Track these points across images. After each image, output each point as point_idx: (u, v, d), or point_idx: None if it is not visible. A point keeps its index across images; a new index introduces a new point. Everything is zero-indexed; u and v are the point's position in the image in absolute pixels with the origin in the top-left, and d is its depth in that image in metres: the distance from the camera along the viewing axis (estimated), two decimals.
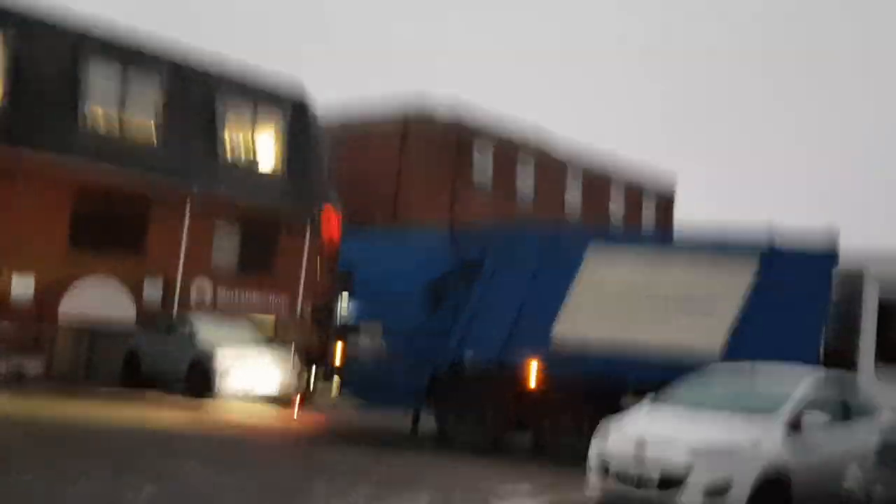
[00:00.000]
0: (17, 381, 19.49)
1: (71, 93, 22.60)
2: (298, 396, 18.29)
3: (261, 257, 25.82)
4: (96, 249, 22.41)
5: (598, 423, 12.61)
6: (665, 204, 39.94)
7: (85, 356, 21.86)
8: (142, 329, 21.11)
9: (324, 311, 15.97)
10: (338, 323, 15.04)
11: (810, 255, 12.64)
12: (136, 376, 20.05)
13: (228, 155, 25.54)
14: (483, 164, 32.94)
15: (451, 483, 10.68)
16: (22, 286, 21.28)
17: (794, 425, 8.81)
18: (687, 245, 13.80)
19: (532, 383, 13.72)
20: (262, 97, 26.41)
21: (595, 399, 13.01)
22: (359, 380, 14.96)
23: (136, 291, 23.10)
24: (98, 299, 22.27)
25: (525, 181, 34.26)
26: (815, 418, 8.91)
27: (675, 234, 14.72)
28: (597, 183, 36.75)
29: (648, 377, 12.67)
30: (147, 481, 8.86)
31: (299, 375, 17.52)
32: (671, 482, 8.38)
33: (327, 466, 11.31)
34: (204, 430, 14.31)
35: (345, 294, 15.05)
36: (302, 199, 26.37)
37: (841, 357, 11.97)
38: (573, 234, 15.08)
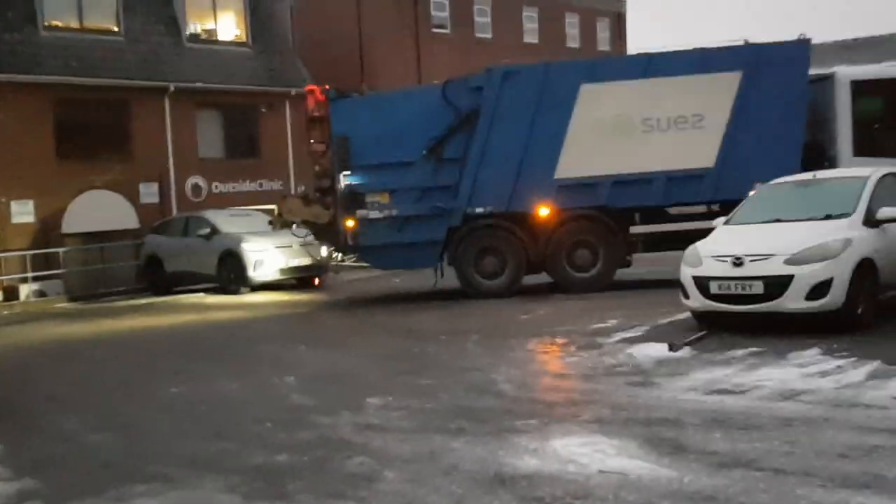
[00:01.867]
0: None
1: (26, 4, 21.55)
2: (321, 274, 18.61)
3: (246, 143, 25.59)
4: (86, 163, 22.09)
5: (611, 254, 14.34)
6: (618, 27, 40.04)
7: (99, 269, 21.89)
8: (155, 232, 21.12)
9: (326, 186, 15.04)
10: (342, 195, 14.69)
11: (786, 51, 14.00)
12: (159, 279, 20.30)
13: (193, 42, 24.82)
14: (440, 9, 32.48)
15: (535, 329, 11.26)
16: (22, 211, 21.04)
17: (870, 221, 9.47)
18: (673, 69, 14.31)
19: (544, 226, 14.40)
20: None
21: (606, 231, 14.27)
22: (374, 248, 14.86)
23: (133, 197, 22.95)
24: (98, 211, 22.12)
25: (483, 19, 33.95)
26: (886, 212, 9.56)
27: (661, 60, 15.00)
28: (552, 13, 36.58)
29: (653, 200, 14.21)
30: (287, 371, 9.29)
31: (320, 253, 17.42)
32: (773, 294, 9.04)
33: (404, 328, 11.87)
34: (268, 315, 14.83)
35: (343, 164, 14.65)
36: (275, 76, 25.96)
37: (820, 151, 13.86)
38: (564, 73, 14.77)
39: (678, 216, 14.56)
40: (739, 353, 8.61)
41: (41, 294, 20.30)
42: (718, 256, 9.53)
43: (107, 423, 7.63)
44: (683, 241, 14.18)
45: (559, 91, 14.37)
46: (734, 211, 10.88)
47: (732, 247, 9.54)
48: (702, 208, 14.32)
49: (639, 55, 16.37)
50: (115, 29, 23.07)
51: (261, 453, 6.35)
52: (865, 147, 13.85)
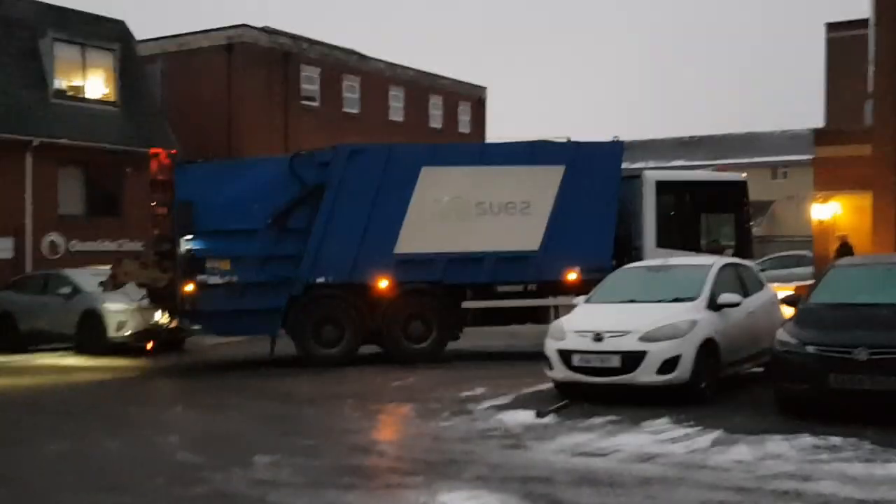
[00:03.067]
0: None
1: None
2: (153, 338, 17.23)
3: (109, 202, 25.22)
4: None
5: (445, 326, 15.31)
6: (478, 110, 42.00)
7: None
8: (9, 289, 20.40)
9: (165, 250, 14.89)
10: (182, 260, 14.54)
11: (603, 150, 15.84)
12: (12, 337, 19.55)
13: (60, 98, 24.46)
14: (310, 83, 33.18)
15: (408, 395, 11.80)
16: None
17: (713, 305, 10.66)
18: (505, 159, 15.68)
19: (382, 297, 15.08)
20: (88, 35, 25.32)
21: (440, 305, 15.32)
22: (212, 313, 14.70)
23: None
24: None
25: (351, 96, 34.89)
26: (726, 298, 10.78)
27: (495, 149, 16.52)
28: (417, 93, 38.02)
29: (483, 277, 15.43)
30: (168, 431, 9.42)
31: (161, 317, 16.16)
32: (628, 367, 10.00)
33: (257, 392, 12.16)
34: (135, 377, 14.69)
35: (185, 229, 14.53)
36: (142, 136, 25.80)
37: (627, 242, 15.64)
38: (407, 154, 15.69)
39: (505, 293, 15.65)
40: (599, 420, 9.45)
41: None
42: (580, 332, 10.44)
43: None
44: (509, 316, 15.79)
45: (402, 171, 15.17)
46: (594, 290, 11.91)
47: (593, 323, 10.49)
48: (520, 287, 15.54)
49: (475, 144, 18.06)
50: None
51: None
52: (666, 240, 15.69)
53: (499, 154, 16.02)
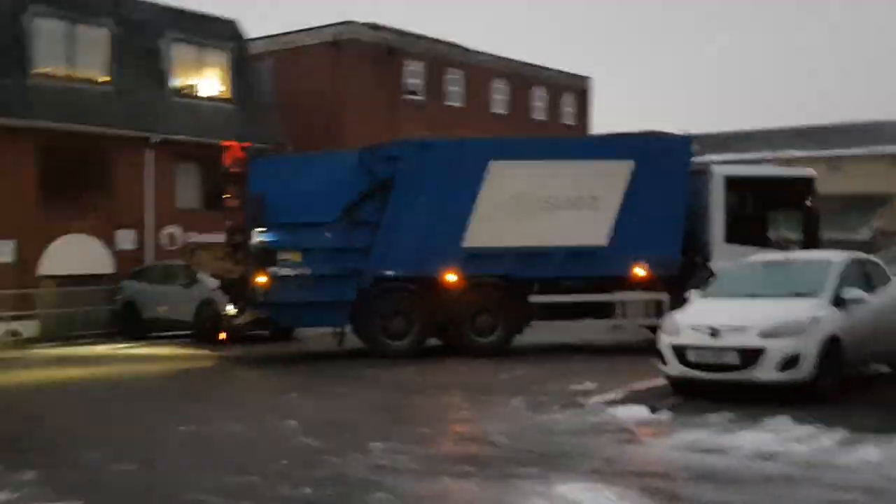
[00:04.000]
0: (14, 345, 19.65)
1: (17, 50, 21.99)
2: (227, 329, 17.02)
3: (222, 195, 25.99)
4: (67, 207, 22.34)
5: (511, 321, 15.35)
6: (582, 101, 41.60)
7: (73, 311, 21.99)
8: (133, 278, 21.37)
9: (238, 242, 15.04)
10: (255, 252, 14.66)
11: (672, 144, 15.90)
12: (135, 324, 20.50)
13: (178, 97, 25.40)
14: (414, 77, 33.51)
15: (517, 388, 11.80)
16: (1, 251, 21.17)
17: (837, 301, 10.29)
18: (574, 153, 15.71)
19: (450, 291, 15.18)
20: (203, 35, 26.20)
21: (507, 299, 15.36)
22: (284, 304, 14.84)
23: (110, 243, 23.20)
24: (75, 255, 22.32)
25: (455, 90, 35.07)
26: (852, 294, 10.40)
27: (564, 144, 16.71)
28: (520, 86, 37.93)
29: (551, 272, 15.45)
30: (286, 416, 9.71)
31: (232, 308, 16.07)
32: (747, 364, 9.75)
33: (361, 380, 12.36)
34: (250, 366, 15.17)
35: (257, 221, 14.61)
36: (254, 132, 26.52)
37: (695, 238, 15.57)
38: (476, 149, 15.80)
39: (570, 288, 15.65)
40: (716, 417, 9.23)
41: (15, 334, 20.31)
42: (696, 326, 10.24)
43: (125, 456, 7.96)
44: (575, 311, 15.73)
45: (470, 165, 15.23)
46: (710, 284, 11.66)
47: (709, 318, 10.26)
48: (584, 283, 15.50)
49: (544, 138, 18.17)
50: (105, 79, 23.55)
51: (286, 486, 6.80)
52: (734, 235, 15.57)
53: (567, 148, 16.10)
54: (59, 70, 22.71)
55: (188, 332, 19.36)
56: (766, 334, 9.73)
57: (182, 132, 24.63)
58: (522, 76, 38.07)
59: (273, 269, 14.61)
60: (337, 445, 8.30)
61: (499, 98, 37.04)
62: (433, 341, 15.81)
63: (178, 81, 25.47)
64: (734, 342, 9.84)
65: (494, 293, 15.35)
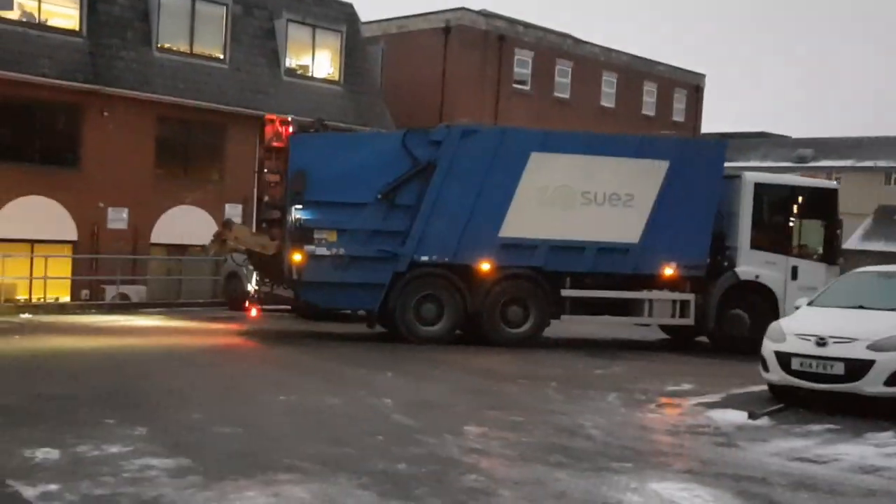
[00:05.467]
0: (123, 308, 20.51)
1: (144, 25, 22.90)
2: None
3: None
4: (180, 179, 23.25)
5: (542, 313, 15.41)
6: (694, 99, 40.72)
7: (178, 279, 22.86)
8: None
9: (274, 217, 14.91)
10: (293, 229, 14.37)
11: (707, 149, 16.36)
12: (239, 295, 21.11)
13: (291, 77, 25.99)
14: (523, 67, 33.44)
15: (613, 384, 11.74)
16: (117, 218, 22.14)
17: None
18: (614, 150, 15.80)
19: (484, 279, 15.16)
20: (318, 17, 26.72)
21: (540, 291, 15.43)
22: (317, 284, 14.63)
23: (218, 215, 23.94)
24: (184, 225, 23.14)
25: (563, 81, 34.84)
26: None
27: (605, 140, 16.75)
28: (631, 79, 37.40)
29: (584, 266, 15.57)
30: (381, 394, 9.91)
31: (257, 284, 16.22)
32: (853, 376, 9.47)
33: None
34: (350, 342, 15.49)
35: (298, 198, 14.34)
36: (361, 114, 26.99)
37: (721, 241, 15.93)
38: (518, 139, 15.64)
39: (598, 284, 15.80)
40: (817, 427, 9.04)
41: (125, 297, 21.24)
42: (802, 335, 9.98)
43: (229, 419, 8.28)
44: (602, 307, 15.81)
45: (512, 155, 15.17)
46: (818, 293, 11.35)
47: (816, 327, 10.00)
48: (612, 280, 15.68)
49: (586, 133, 18.66)
50: (221, 56, 24.29)
51: (381, 461, 6.95)
52: (760, 241, 16.01)
53: (607, 145, 16.15)
54: (181, 46, 23.53)
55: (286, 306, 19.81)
56: (876, 347, 9.44)
57: (292, 112, 25.09)
58: (633, 70, 37.57)
59: (309, 248, 14.46)
60: (431, 426, 8.44)
61: (607, 91, 36.63)
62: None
63: (291, 61, 26.04)
64: (841, 353, 9.57)
65: (527, 285, 15.41)
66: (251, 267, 16.15)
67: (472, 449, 7.59)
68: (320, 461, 6.83)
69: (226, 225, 15.63)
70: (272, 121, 15.45)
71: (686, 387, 11.66)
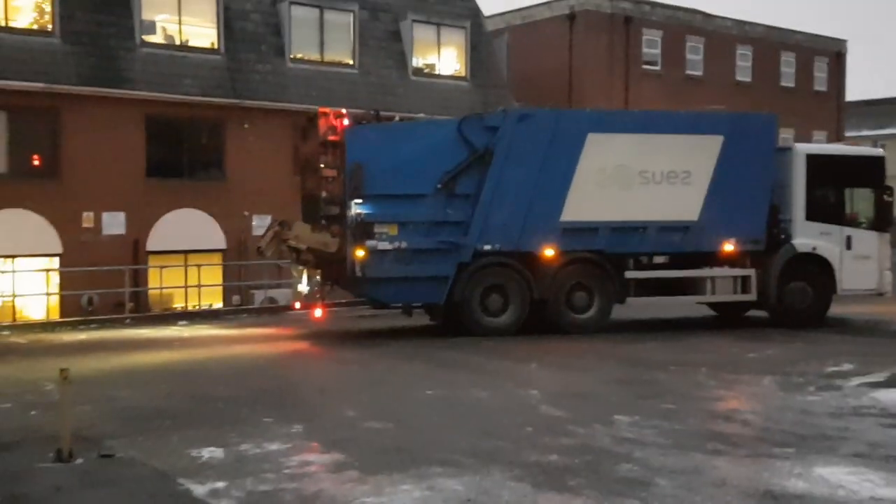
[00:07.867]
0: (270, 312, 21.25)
1: (276, 38, 23.70)
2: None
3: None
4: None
5: (608, 297, 15.08)
6: (836, 66, 38.73)
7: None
8: None
9: (333, 214, 14.30)
10: (353, 224, 13.90)
11: (759, 122, 16.05)
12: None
13: (418, 76, 26.31)
14: (652, 47, 32.67)
15: (767, 368, 11.30)
16: (262, 225, 22.87)
17: None
18: (669, 127, 15.50)
19: (548, 266, 14.73)
20: (442, 15, 26.94)
21: (604, 275, 15.07)
22: (381, 280, 14.19)
23: None
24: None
25: (694, 58, 33.81)
26: None
27: (659, 117, 16.52)
28: (767, 51, 35.91)
29: (646, 247, 15.42)
30: (527, 385, 9.89)
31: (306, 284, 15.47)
32: None
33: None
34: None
35: (356, 192, 13.86)
36: (486, 109, 26.97)
37: (775, 215, 15.69)
38: (574, 120, 15.28)
39: (664, 264, 15.85)
40: None
41: (272, 301, 22.02)
42: None
43: (379, 415, 8.43)
44: (671, 287, 15.51)
45: (569, 137, 14.77)
46: None
47: None
48: (669, 259, 15.77)
49: (641, 111, 18.59)
50: (351, 62, 24.83)
51: (533, 453, 6.93)
52: (816, 213, 15.93)
53: (663, 122, 15.80)
54: (312, 55, 24.20)
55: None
56: None
57: (422, 111, 25.42)
58: (769, 41, 36.03)
59: (371, 243, 14.02)
60: (580, 416, 8.35)
61: (743, 65, 35.27)
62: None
63: (418, 61, 26.35)
64: None
65: (592, 269, 15.07)
66: (300, 267, 15.54)
67: (624, 438, 7.46)
68: (472, 454, 6.86)
69: (283, 224, 15.03)
70: (326, 114, 14.71)
71: (847, 367, 11.12)
